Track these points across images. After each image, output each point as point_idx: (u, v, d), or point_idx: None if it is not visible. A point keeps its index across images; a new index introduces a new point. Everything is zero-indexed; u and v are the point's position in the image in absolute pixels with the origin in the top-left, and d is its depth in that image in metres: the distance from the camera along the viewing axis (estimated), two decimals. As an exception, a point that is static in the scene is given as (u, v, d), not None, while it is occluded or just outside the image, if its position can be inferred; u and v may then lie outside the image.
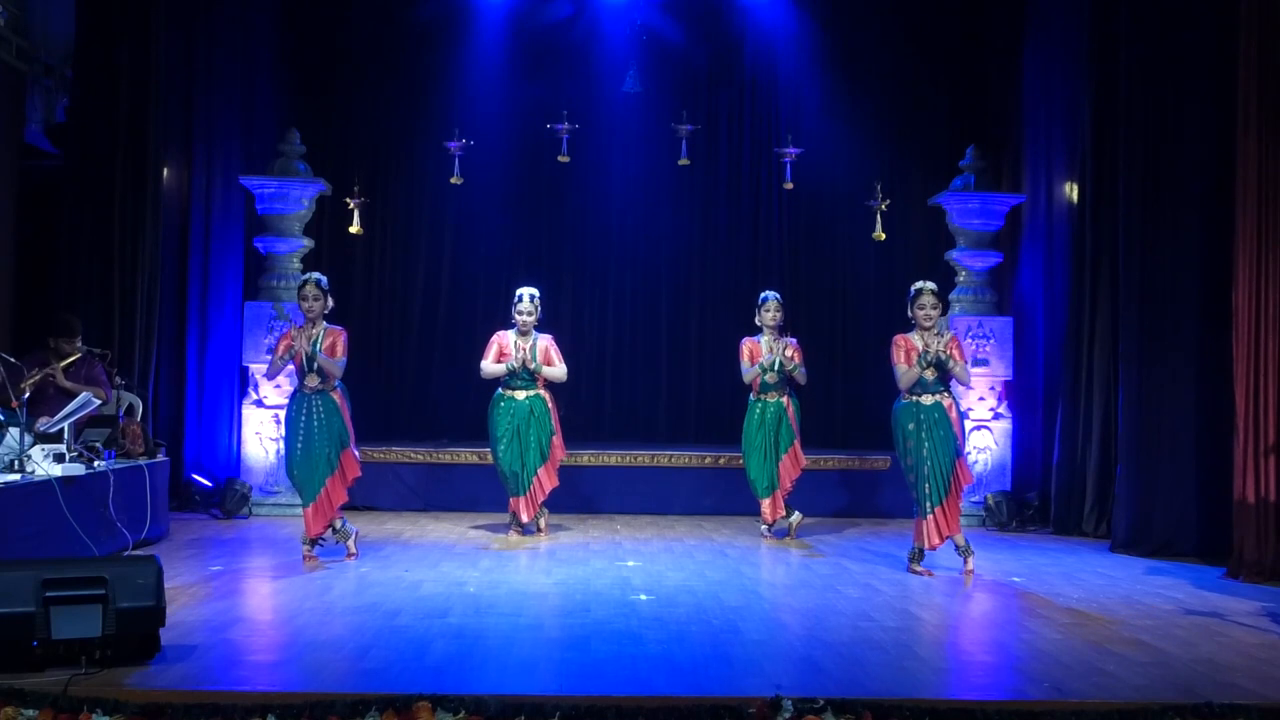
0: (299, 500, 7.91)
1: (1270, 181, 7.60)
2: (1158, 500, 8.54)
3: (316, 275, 7.91)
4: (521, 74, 11.89)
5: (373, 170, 11.71)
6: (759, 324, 9.03)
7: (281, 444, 8.82)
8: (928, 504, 7.52)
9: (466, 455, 10.44)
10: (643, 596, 6.69)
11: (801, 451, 9.13)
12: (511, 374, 8.84)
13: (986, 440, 10.53)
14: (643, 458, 10.73)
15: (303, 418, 7.68)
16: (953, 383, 7.75)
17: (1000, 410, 10.59)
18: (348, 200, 10.74)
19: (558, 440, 8.96)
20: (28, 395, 7.68)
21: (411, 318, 12.14)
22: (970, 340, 10.52)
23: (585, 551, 8.38)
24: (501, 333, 9.01)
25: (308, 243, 10.72)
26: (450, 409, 11.75)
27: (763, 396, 9.01)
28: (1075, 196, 9.86)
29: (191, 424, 10.38)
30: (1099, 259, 9.43)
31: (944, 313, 7.92)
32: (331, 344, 7.71)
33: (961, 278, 10.87)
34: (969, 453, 10.43)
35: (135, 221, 9.75)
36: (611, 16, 11.79)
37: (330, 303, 7.84)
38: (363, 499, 9.87)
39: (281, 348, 7.71)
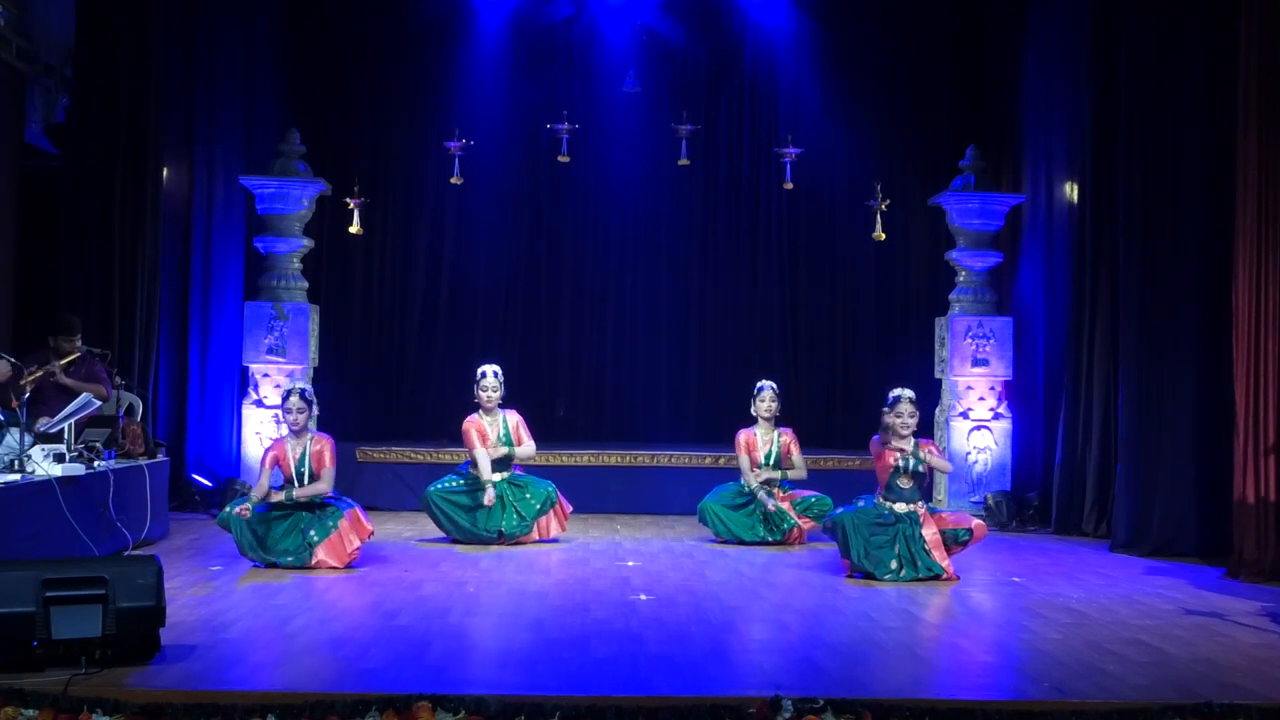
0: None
1: (1270, 181, 7.59)
2: (1158, 500, 8.53)
3: (301, 386, 7.86)
4: (521, 74, 11.88)
5: (373, 170, 11.69)
6: (754, 413, 8.85)
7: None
8: (870, 572, 7.25)
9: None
10: (643, 596, 6.69)
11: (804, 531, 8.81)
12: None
13: (986, 440, 10.54)
14: (643, 458, 10.73)
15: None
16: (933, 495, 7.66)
17: (1000, 410, 10.59)
18: (348, 200, 10.75)
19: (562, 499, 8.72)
20: (28, 395, 7.68)
21: (411, 318, 12.12)
22: (970, 340, 10.53)
23: (585, 551, 8.38)
24: (472, 418, 8.75)
25: (308, 243, 10.74)
26: (450, 409, 11.71)
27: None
28: (1075, 196, 9.86)
29: (192, 424, 10.38)
30: (1099, 259, 9.43)
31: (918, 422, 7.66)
32: (319, 452, 7.62)
33: (961, 278, 10.87)
34: (969, 452, 10.46)
35: (135, 222, 9.75)
36: (611, 17, 11.78)
37: (315, 412, 7.75)
38: (363, 499, 9.85)
39: (269, 462, 7.61)
